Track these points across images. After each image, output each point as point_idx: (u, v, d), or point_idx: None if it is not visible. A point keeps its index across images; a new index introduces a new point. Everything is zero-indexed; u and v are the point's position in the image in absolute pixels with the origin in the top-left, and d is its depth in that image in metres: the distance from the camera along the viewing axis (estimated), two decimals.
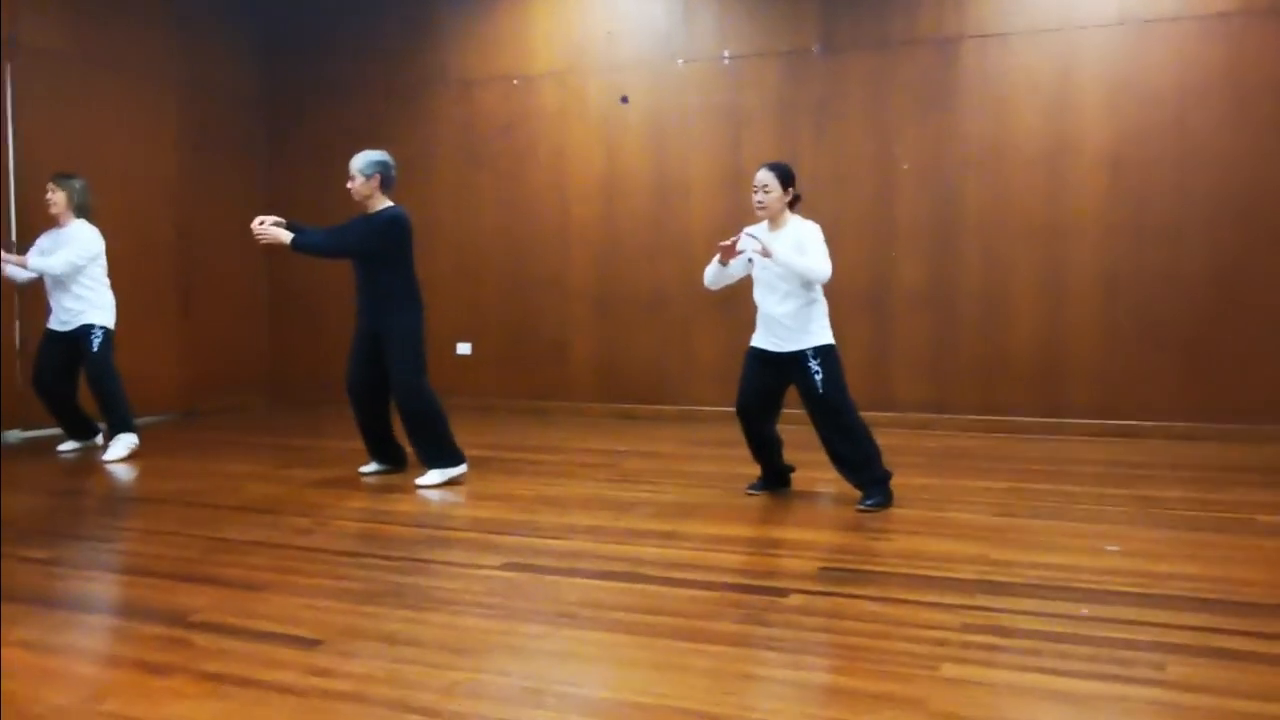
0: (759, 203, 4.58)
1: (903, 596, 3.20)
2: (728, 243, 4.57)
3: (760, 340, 4.72)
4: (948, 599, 3.16)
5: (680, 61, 7.54)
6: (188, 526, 4.24)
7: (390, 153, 5.27)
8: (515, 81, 8.01)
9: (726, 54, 7.42)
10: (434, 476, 5.16)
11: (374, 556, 3.76)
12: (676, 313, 7.66)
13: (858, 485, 4.60)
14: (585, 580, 3.44)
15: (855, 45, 7.10)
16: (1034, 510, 4.45)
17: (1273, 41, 6.24)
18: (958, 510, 4.47)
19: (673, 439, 6.67)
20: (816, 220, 4.60)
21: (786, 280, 4.55)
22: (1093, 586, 3.29)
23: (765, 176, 4.58)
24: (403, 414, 5.15)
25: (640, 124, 7.69)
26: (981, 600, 3.15)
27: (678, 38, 7.54)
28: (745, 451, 5.00)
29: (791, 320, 4.57)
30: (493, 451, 6.15)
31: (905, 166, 6.98)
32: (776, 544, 3.96)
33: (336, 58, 8.57)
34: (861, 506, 4.48)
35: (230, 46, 8.57)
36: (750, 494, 4.85)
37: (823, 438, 4.63)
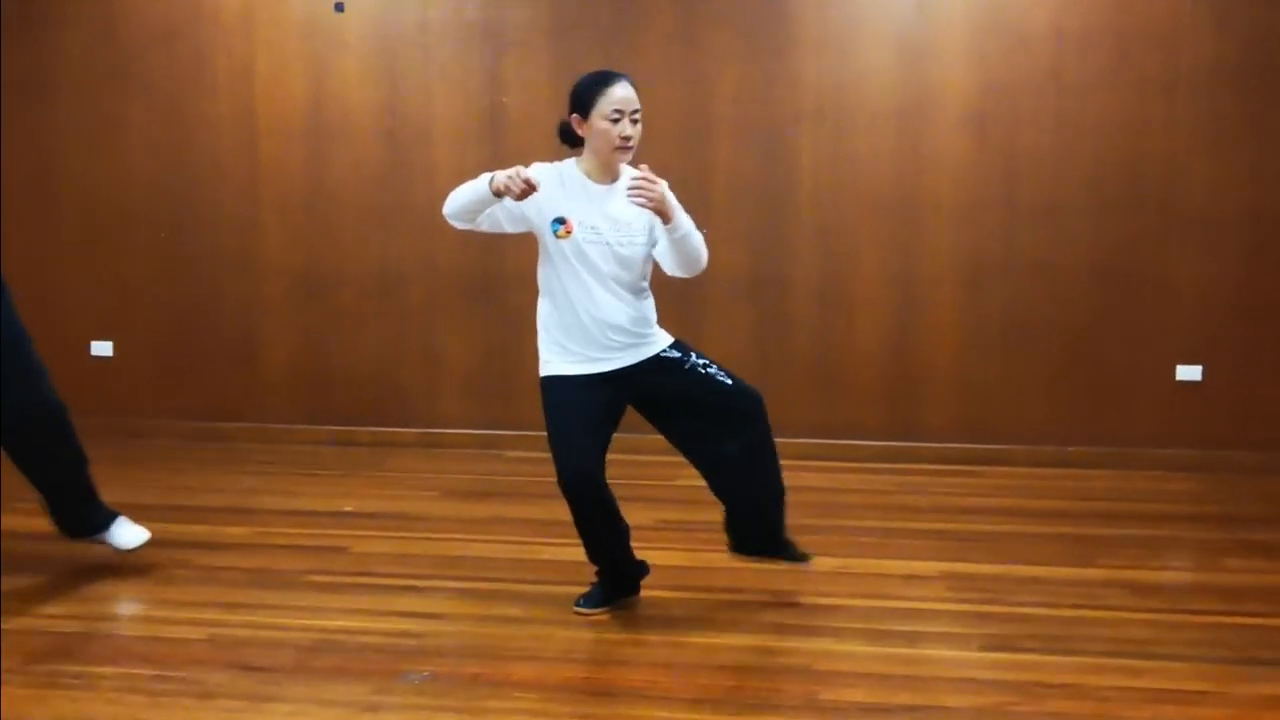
0: (626, 138, 2.82)
1: None
2: (530, 174, 2.74)
3: (581, 364, 2.95)
4: None
5: None
6: None
7: None
8: None
9: None
10: (136, 533, 3.43)
11: None
12: (413, 300, 5.63)
13: (776, 545, 3.14)
14: None
15: None
16: (1045, 636, 2.91)
17: None
18: (925, 639, 2.86)
19: (420, 485, 4.68)
20: None
21: (639, 265, 2.99)
22: None
23: (633, 95, 2.86)
24: (45, 454, 3.25)
25: (362, 42, 5.56)
26: None
27: None
28: (537, 509, 3.85)
29: (637, 325, 2.99)
30: (140, 520, 3.92)
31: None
32: None
33: None
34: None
35: None
36: (584, 613, 3.02)
37: (726, 463, 3.04)
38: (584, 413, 2.90)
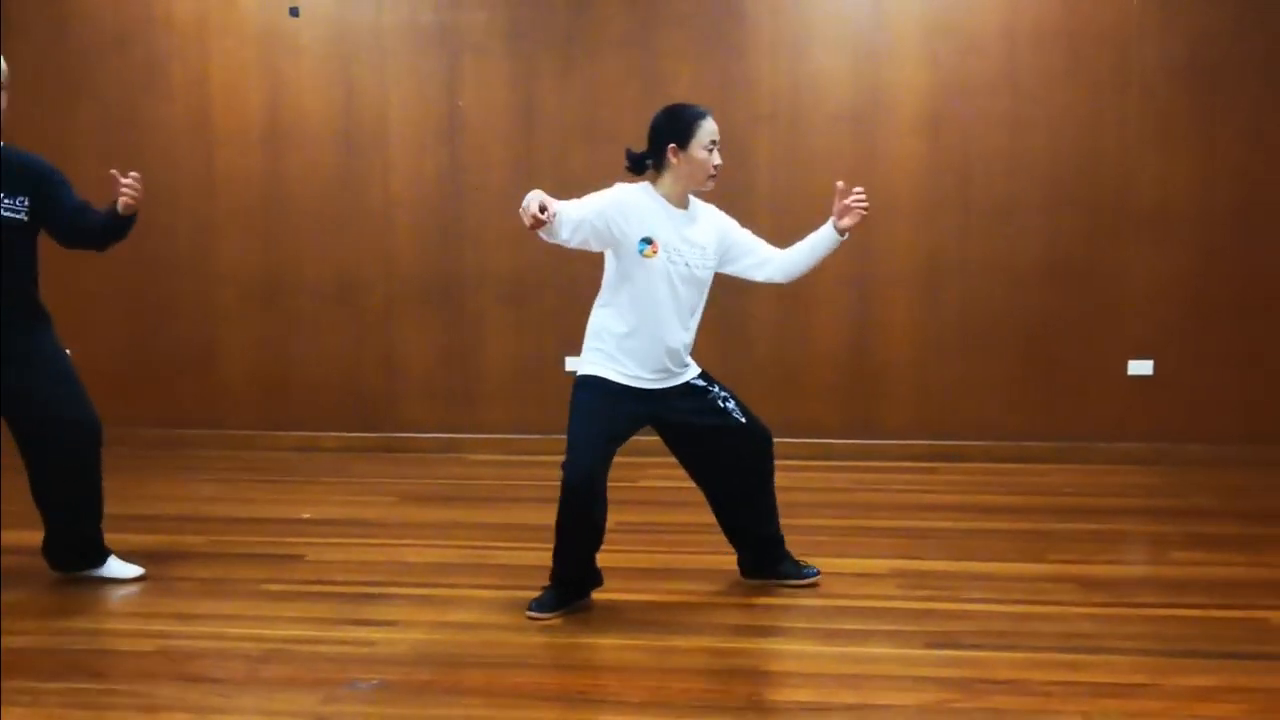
0: (718, 167, 3.01)
1: None
2: (537, 208, 2.74)
3: (633, 378, 3.04)
4: None
5: None
6: None
7: None
8: None
9: None
10: (128, 568, 3.43)
11: None
12: (373, 305, 5.63)
13: (777, 559, 3.35)
14: None
15: None
16: (991, 632, 2.96)
17: None
18: (872, 637, 2.89)
19: (379, 490, 4.68)
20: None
21: (707, 288, 3.16)
22: None
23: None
24: (74, 473, 3.28)
25: (318, 46, 5.54)
26: None
27: None
28: (494, 513, 3.89)
29: (686, 351, 3.15)
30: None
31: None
32: None
33: None
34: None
35: None
36: (536, 617, 3.03)
37: (733, 499, 3.26)
38: (610, 422, 3.00)
